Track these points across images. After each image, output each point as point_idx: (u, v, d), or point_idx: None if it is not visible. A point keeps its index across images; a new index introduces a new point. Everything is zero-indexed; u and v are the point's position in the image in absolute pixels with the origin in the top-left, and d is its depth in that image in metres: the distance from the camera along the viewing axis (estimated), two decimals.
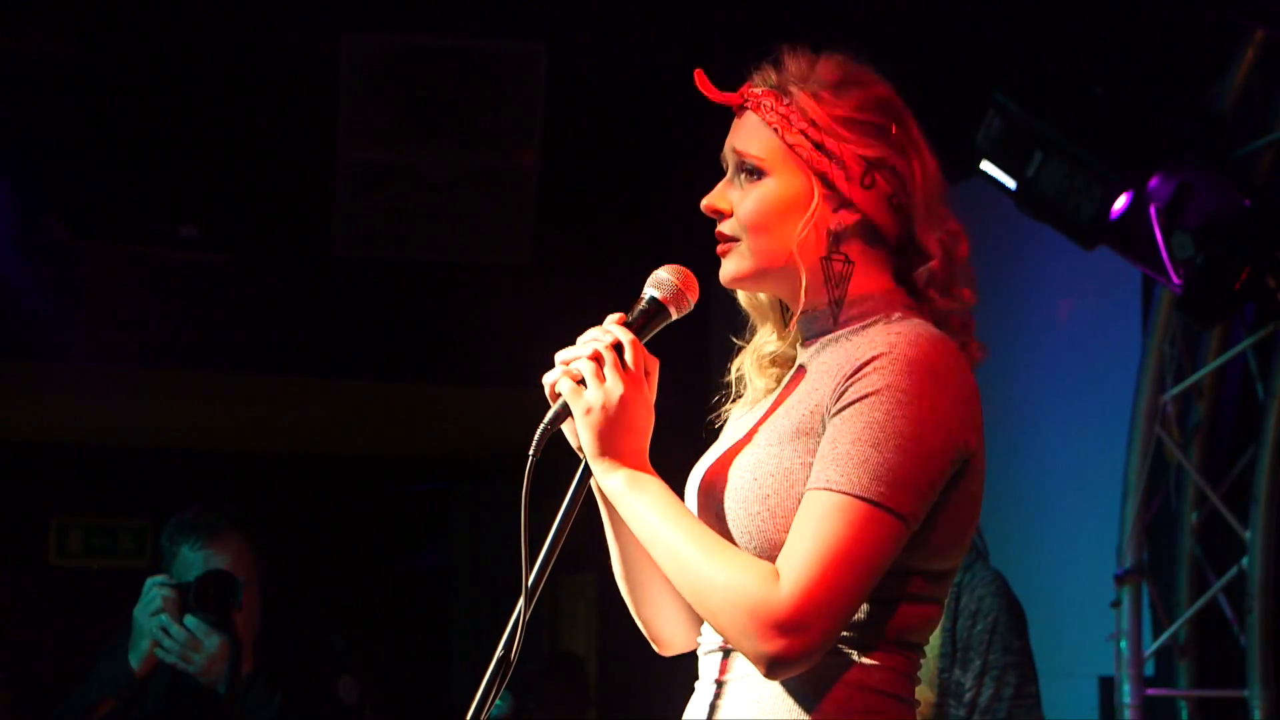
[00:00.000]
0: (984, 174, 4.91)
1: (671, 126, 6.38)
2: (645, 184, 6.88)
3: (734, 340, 2.25)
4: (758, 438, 2.06)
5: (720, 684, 2.05)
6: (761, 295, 2.19)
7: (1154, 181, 4.74)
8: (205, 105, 6.43)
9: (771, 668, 1.93)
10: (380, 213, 6.61)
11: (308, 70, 6.24)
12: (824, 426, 1.98)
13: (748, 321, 2.24)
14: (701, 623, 2.16)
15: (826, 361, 2.05)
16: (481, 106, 6.24)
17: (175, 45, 6.10)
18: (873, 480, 1.91)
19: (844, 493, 1.91)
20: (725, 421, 2.23)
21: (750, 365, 2.21)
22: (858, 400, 1.95)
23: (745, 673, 2.02)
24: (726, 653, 2.05)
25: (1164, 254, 4.77)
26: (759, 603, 1.90)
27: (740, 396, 2.22)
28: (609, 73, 6.19)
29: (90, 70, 6.27)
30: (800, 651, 1.90)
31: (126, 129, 6.60)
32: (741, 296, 2.22)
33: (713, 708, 2.04)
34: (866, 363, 1.97)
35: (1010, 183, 4.87)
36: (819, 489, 1.93)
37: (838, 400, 1.97)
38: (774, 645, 1.90)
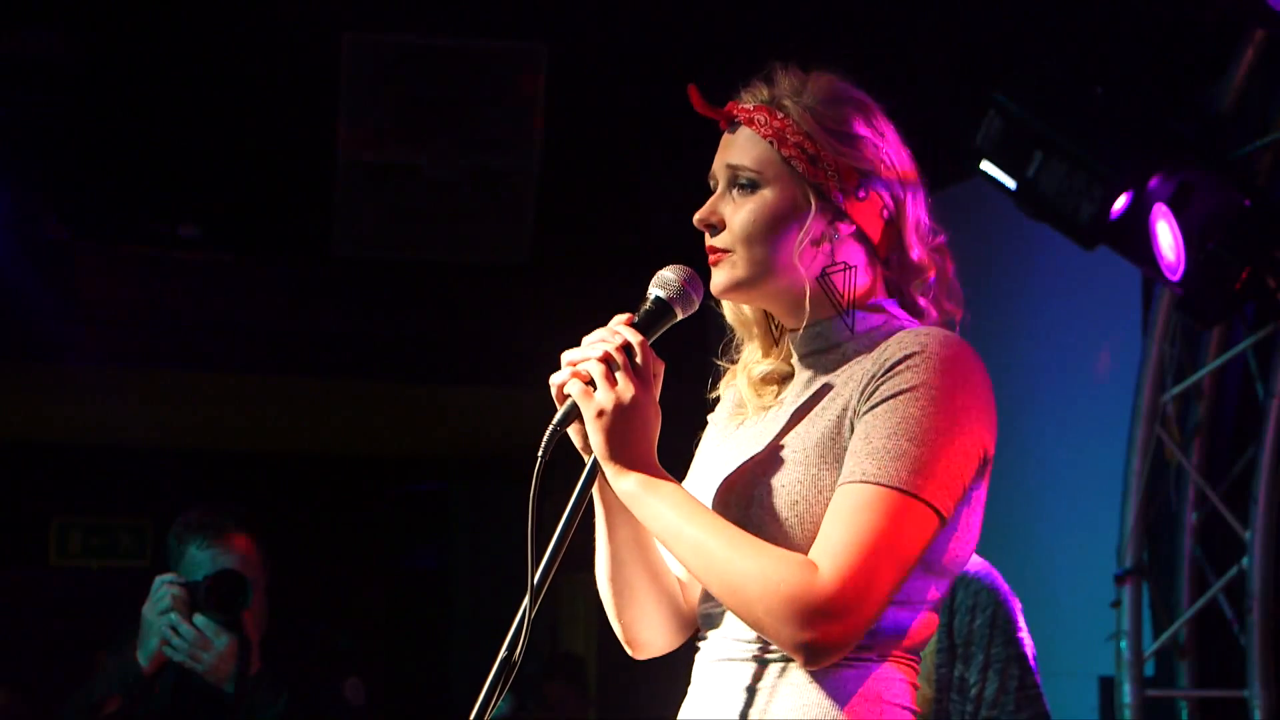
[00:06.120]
0: (984, 174, 4.90)
1: (672, 126, 6.39)
2: (645, 184, 6.88)
3: (717, 361, 2.25)
4: (783, 450, 2.06)
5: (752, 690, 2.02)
6: (748, 310, 2.20)
7: (1154, 181, 4.74)
8: (205, 105, 6.44)
9: (810, 655, 1.93)
10: (380, 213, 6.61)
11: (308, 70, 6.24)
12: (852, 429, 2.00)
13: (727, 341, 2.25)
14: (685, 628, 2.19)
15: (850, 369, 2.06)
16: (481, 106, 6.24)
17: (175, 45, 6.11)
18: (910, 474, 1.93)
19: (881, 484, 1.93)
20: (704, 434, 2.24)
21: (745, 387, 2.21)
22: (892, 396, 1.97)
23: (773, 681, 2.01)
24: (762, 661, 2.03)
25: (1165, 253, 4.77)
26: (799, 589, 1.91)
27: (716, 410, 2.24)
28: (609, 73, 6.19)
29: (90, 70, 6.27)
30: (839, 638, 1.91)
31: (127, 129, 6.61)
32: (728, 311, 2.22)
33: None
34: (900, 361, 1.99)
35: (1010, 183, 4.87)
36: (855, 482, 1.95)
37: (869, 399, 1.99)
38: (814, 632, 1.90)
